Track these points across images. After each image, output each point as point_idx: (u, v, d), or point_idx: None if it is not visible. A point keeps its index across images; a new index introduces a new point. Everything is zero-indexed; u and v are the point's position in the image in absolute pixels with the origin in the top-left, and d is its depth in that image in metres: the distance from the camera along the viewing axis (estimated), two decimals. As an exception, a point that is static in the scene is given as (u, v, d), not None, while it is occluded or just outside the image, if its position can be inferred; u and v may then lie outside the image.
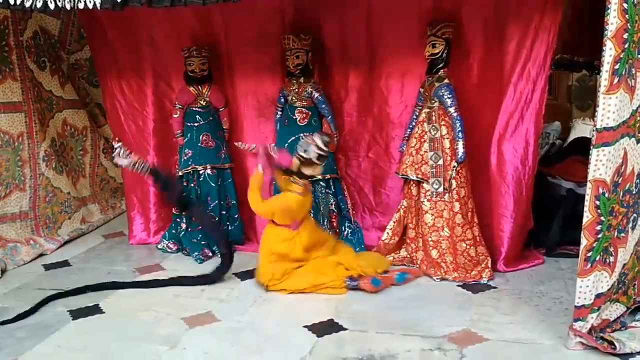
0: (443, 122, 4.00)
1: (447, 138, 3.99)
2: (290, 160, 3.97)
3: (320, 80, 4.51)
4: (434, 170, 4.02)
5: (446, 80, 3.96)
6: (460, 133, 3.92)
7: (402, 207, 4.23)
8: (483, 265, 3.99)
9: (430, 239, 4.05)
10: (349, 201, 4.56)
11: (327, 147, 3.83)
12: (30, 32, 4.94)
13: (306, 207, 4.00)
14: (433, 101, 4.00)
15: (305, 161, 3.84)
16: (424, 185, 4.07)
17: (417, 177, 4.07)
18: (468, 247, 3.99)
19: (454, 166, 3.97)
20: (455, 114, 3.93)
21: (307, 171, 3.88)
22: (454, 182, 3.99)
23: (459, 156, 3.93)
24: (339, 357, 3.07)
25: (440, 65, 3.98)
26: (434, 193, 4.02)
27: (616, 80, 2.71)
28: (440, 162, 4.01)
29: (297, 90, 4.38)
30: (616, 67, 2.70)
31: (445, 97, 3.93)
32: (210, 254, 4.60)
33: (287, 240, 3.95)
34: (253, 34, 4.51)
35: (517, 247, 4.13)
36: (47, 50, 5.15)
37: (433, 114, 4.03)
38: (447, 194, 3.99)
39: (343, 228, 4.55)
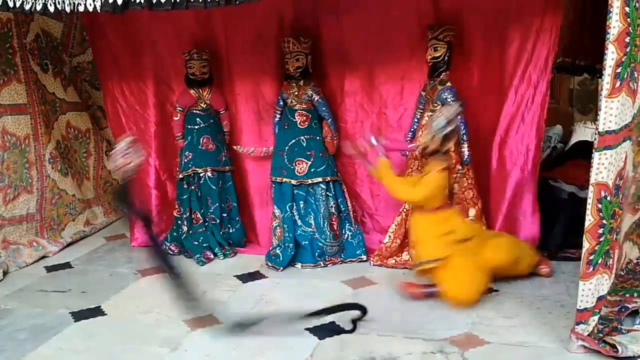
0: None
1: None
2: (398, 141, 3.92)
3: (317, 83, 4.51)
4: None
5: (449, 84, 3.97)
6: (464, 136, 3.94)
7: (404, 210, 4.24)
8: None
9: None
10: (349, 204, 4.56)
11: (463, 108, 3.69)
12: (33, 34, 4.95)
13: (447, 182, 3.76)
14: (435, 104, 4.01)
15: (446, 136, 3.62)
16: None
17: None
18: None
19: (459, 169, 3.98)
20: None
21: (447, 145, 3.65)
22: (456, 186, 4.01)
23: (465, 159, 3.94)
24: (341, 360, 3.08)
25: (442, 69, 3.99)
26: None
27: (618, 83, 2.71)
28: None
29: (296, 93, 4.38)
30: (618, 70, 2.70)
31: (449, 100, 3.94)
32: (212, 257, 4.60)
33: (447, 220, 3.69)
34: (252, 37, 4.52)
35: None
36: (50, 53, 5.16)
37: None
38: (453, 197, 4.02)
39: (344, 231, 4.54)
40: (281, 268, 4.32)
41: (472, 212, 4.04)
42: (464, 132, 3.94)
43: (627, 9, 2.65)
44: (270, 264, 4.38)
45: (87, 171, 5.61)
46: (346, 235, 4.54)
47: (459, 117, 3.64)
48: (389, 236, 4.32)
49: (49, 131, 5.07)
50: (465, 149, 3.95)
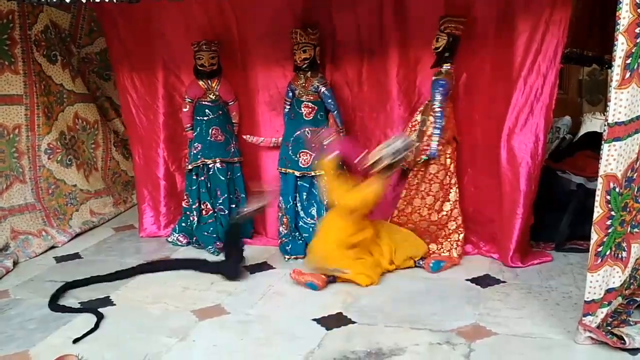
0: (430, 117, 4.04)
1: (428, 132, 4.05)
2: (353, 150, 4.03)
3: (332, 74, 4.50)
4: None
5: (442, 76, 3.97)
6: (436, 129, 3.98)
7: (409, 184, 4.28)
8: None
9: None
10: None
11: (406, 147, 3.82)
12: (41, 25, 4.96)
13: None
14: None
15: (390, 166, 3.81)
16: (408, 173, 4.20)
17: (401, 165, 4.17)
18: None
19: (420, 160, 4.06)
20: (437, 109, 3.97)
21: (388, 173, 3.86)
22: (410, 173, 4.14)
23: (430, 151, 3.98)
24: (348, 351, 3.09)
25: (443, 60, 3.99)
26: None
27: (628, 74, 2.69)
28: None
29: (304, 84, 4.38)
30: (628, 61, 2.68)
31: (434, 91, 3.98)
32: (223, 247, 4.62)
33: (362, 230, 3.91)
34: (265, 27, 4.51)
35: (526, 242, 4.12)
36: (58, 44, 5.17)
37: (428, 106, 4.07)
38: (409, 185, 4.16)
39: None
40: (298, 256, 4.35)
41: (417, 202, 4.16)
42: (436, 126, 3.97)
43: (637, -1, 2.63)
44: (288, 256, 4.37)
45: (95, 162, 5.63)
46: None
47: (407, 152, 3.78)
48: (396, 212, 4.36)
49: (51, 122, 5.08)
50: (433, 143, 3.99)
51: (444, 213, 4.19)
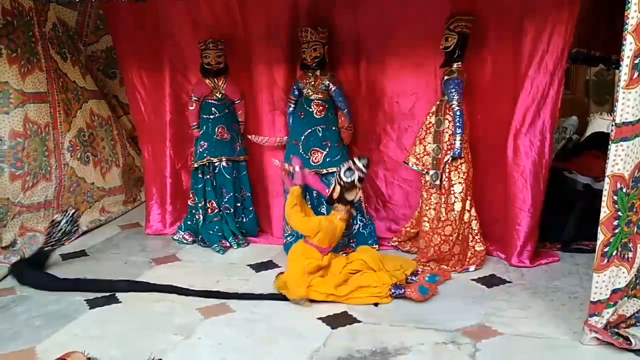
0: (447, 116, 4.00)
1: (447, 132, 3.99)
2: (319, 181, 4.12)
3: (333, 73, 4.51)
4: (435, 162, 4.04)
5: (455, 74, 3.94)
6: (458, 128, 3.91)
7: (423, 198, 4.25)
8: (454, 261, 4.05)
9: (422, 229, 4.15)
10: (361, 195, 4.56)
11: (367, 168, 3.86)
12: (50, 23, 4.98)
13: (341, 234, 3.94)
14: (444, 94, 4.00)
15: (347, 186, 3.84)
16: (425, 176, 4.12)
17: (416, 167, 4.13)
18: (441, 243, 4.05)
19: (447, 160, 3.98)
20: (456, 108, 3.91)
21: (349, 196, 3.88)
22: (443, 176, 4.01)
23: (455, 151, 3.93)
24: (353, 349, 3.09)
25: (453, 59, 3.97)
26: (431, 185, 4.07)
27: (636, 74, 2.68)
28: (440, 155, 4.02)
29: (313, 83, 4.38)
30: (636, 61, 2.67)
31: (449, 90, 3.93)
32: (229, 245, 4.64)
33: (324, 263, 3.78)
34: (268, 26, 4.51)
35: (534, 242, 4.11)
36: (66, 42, 5.19)
37: (441, 106, 4.04)
38: (442, 188, 4.03)
39: (355, 221, 4.54)
40: None
41: (458, 205, 4.02)
42: (458, 124, 3.90)
43: (646, -1, 2.62)
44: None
45: (117, 158, 5.64)
46: (357, 226, 4.53)
47: (360, 173, 3.80)
48: (411, 222, 4.39)
49: (70, 119, 5.10)
50: (457, 142, 3.92)
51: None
